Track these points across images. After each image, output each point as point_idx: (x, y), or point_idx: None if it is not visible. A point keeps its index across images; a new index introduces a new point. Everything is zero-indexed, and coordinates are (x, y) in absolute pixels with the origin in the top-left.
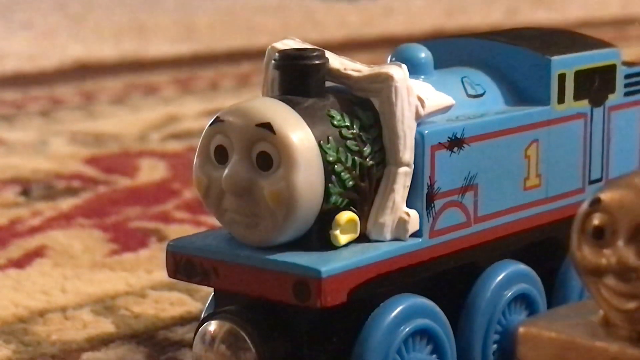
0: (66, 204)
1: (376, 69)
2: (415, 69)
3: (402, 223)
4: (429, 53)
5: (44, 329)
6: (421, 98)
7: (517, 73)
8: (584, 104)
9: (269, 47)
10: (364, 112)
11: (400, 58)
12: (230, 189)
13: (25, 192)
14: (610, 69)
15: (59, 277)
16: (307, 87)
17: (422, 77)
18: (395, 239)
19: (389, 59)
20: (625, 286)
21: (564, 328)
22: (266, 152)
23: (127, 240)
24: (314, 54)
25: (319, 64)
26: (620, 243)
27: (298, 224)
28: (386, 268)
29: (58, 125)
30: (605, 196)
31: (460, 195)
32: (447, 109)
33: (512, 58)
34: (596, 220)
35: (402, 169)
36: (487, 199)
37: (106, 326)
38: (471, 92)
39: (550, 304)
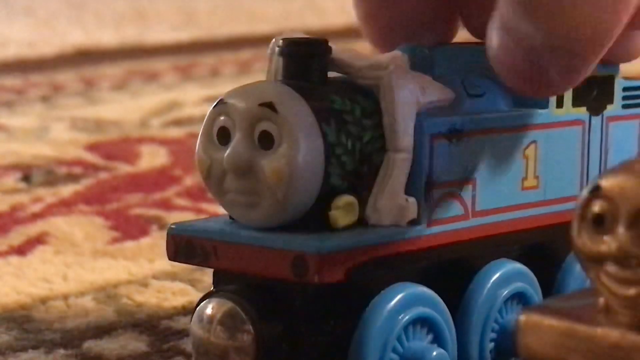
0: (67, 190)
1: (377, 58)
2: (415, 68)
3: (400, 209)
4: (430, 54)
5: (46, 316)
6: (422, 87)
7: None
8: (582, 111)
9: (274, 38)
10: (365, 99)
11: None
12: (231, 168)
13: (26, 178)
14: (609, 80)
15: (61, 264)
16: (310, 74)
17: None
18: (394, 225)
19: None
20: (625, 272)
21: (565, 315)
22: (268, 131)
23: (128, 227)
24: (318, 42)
25: (322, 52)
26: (621, 229)
27: (298, 204)
28: (385, 252)
29: (59, 112)
30: (605, 183)
31: (459, 187)
32: (447, 101)
33: None
34: (596, 207)
35: (401, 155)
36: (485, 194)
37: (108, 314)
38: (472, 91)
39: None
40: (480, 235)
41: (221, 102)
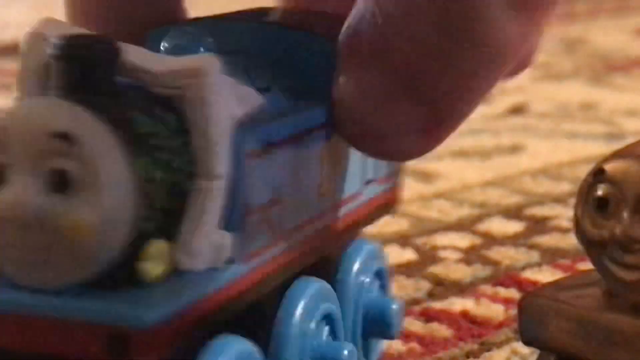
0: None
1: (182, 61)
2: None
3: (218, 248)
4: (201, 37)
5: None
6: (238, 97)
7: (306, 63)
8: None
9: (29, 32)
10: (167, 114)
11: (169, 44)
12: (13, 219)
13: None
14: None
15: None
16: (96, 85)
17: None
18: (211, 267)
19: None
20: (629, 257)
21: (567, 299)
22: (63, 170)
23: None
24: (104, 43)
25: (111, 56)
26: (625, 214)
27: (103, 258)
28: (211, 304)
29: None
30: (609, 166)
31: (269, 209)
32: (257, 107)
33: (299, 45)
34: (600, 191)
35: (216, 183)
36: (289, 212)
37: None
38: (259, 85)
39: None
40: (288, 259)
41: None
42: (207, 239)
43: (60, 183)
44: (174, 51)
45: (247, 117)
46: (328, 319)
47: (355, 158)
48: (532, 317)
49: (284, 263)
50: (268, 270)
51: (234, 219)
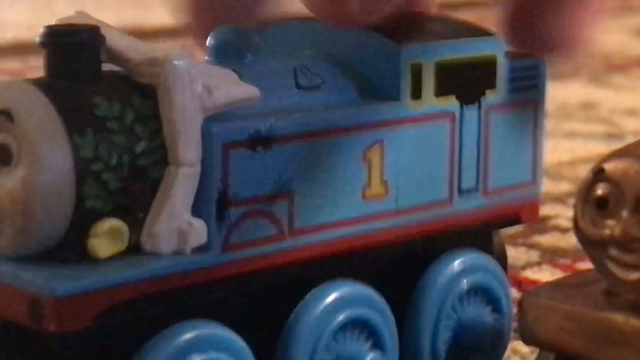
0: None
1: (155, 52)
2: (228, 54)
3: (182, 233)
4: (249, 37)
5: None
6: (209, 87)
7: (364, 63)
8: (450, 102)
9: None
10: (143, 101)
11: (216, 42)
12: None
13: None
14: (488, 62)
15: None
16: (76, 70)
17: (236, 64)
18: (176, 252)
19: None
20: (629, 257)
21: (567, 298)
22: (5, 144)
23: None
24: (86, 31)
25: (90, 43)
26: (625, 213)
27: (42, 232)
28: (155, 287)
29: None
30: (609, 166)
31: (268, 203)
32: (247, 101)
33: (359, 45)
34: (600, 190)
35: (184, 170)
36: (307, 209)
37: None
38: (304, 82)
39: (401, 333)
40: (302, 257)
41: None
42: (171, 223)
43: (4, 157)
44: (219, 49)
45: (227, 108)
46: (362, 325)
47: (439, 164)
48: (532, 316)
49: (294, 260)
50: (265, 264)
51: (208, 207)
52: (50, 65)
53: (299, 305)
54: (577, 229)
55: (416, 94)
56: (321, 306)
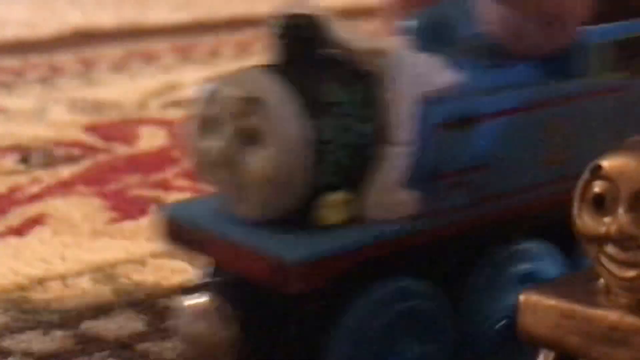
0: (65, 171)
1: (377, 42)
2: (435, 36)
3: (396, 204)
4: (451, 17)
5: (44, 296)
6: (423, 75)
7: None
8: (622, 76)
9: (272, 16)
10: (364, 87)
11: (424, 22)
12: (217, 162)
13: (25, 160)
14: None
15: (59, 245)
16: (309, 58)
17: (441, 47)
18: (392, 220)
19: (414, 22)
20: (625, 254)
21: (564, 295)
22: (253, 127)
23: (127, 208)
24: (313, 22)
25: (317, 33)
26: (621, 211)
27: (284, 202)
28: (377, 252)
29: (57, 93)
30: (606, 163)
31: (468, 174)
32: (454, 87)
33: None
34: (597, 187)
35: (400, 149)
36: (498, 178)
37: (105, 294)
38: (492, 61)
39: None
40: (490, 220)
41: (213, 90)
42: (389, 196)
43: (251, 137)
44: (422, 29)
45: (440, 92)
46: (534, 277)
47: (608, 136)
48: (532, 315)
49: (485, 223)
50: (461, 229)
51: (423, 180)
52: (285, 54)
53: (484, 259)
54: (575, 226)
55: (594, 70)
56: (507, 258)
